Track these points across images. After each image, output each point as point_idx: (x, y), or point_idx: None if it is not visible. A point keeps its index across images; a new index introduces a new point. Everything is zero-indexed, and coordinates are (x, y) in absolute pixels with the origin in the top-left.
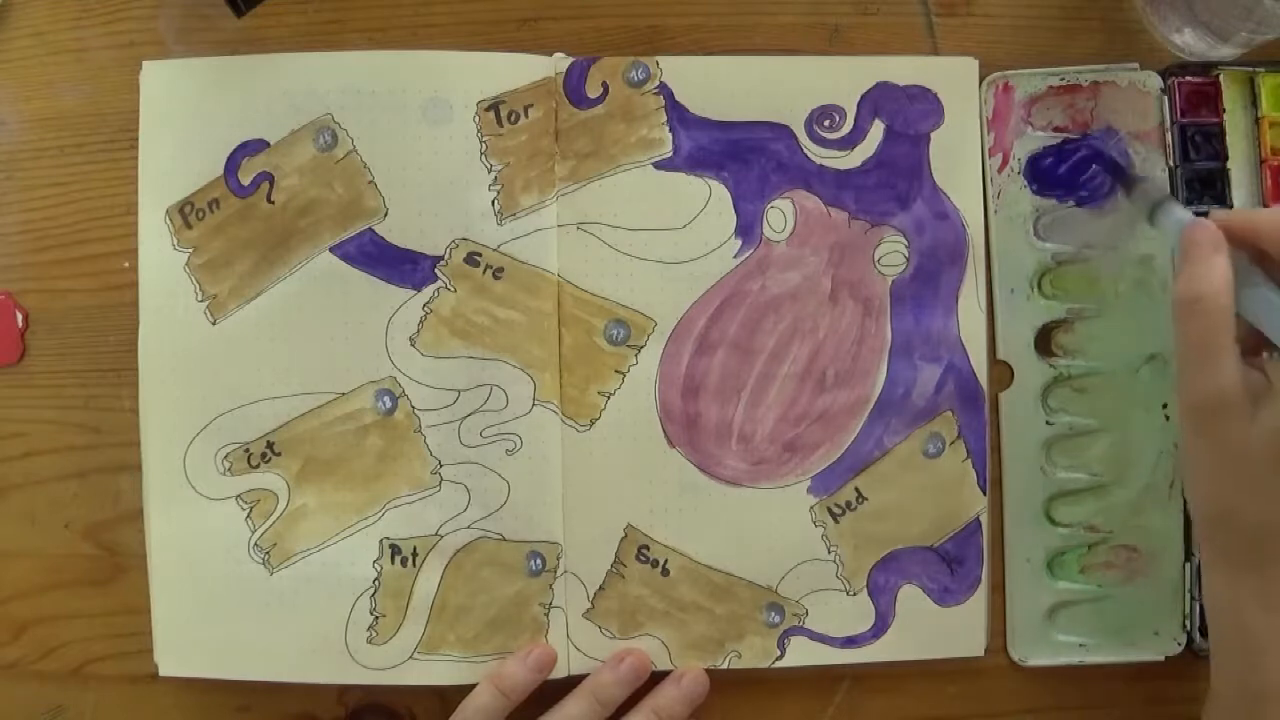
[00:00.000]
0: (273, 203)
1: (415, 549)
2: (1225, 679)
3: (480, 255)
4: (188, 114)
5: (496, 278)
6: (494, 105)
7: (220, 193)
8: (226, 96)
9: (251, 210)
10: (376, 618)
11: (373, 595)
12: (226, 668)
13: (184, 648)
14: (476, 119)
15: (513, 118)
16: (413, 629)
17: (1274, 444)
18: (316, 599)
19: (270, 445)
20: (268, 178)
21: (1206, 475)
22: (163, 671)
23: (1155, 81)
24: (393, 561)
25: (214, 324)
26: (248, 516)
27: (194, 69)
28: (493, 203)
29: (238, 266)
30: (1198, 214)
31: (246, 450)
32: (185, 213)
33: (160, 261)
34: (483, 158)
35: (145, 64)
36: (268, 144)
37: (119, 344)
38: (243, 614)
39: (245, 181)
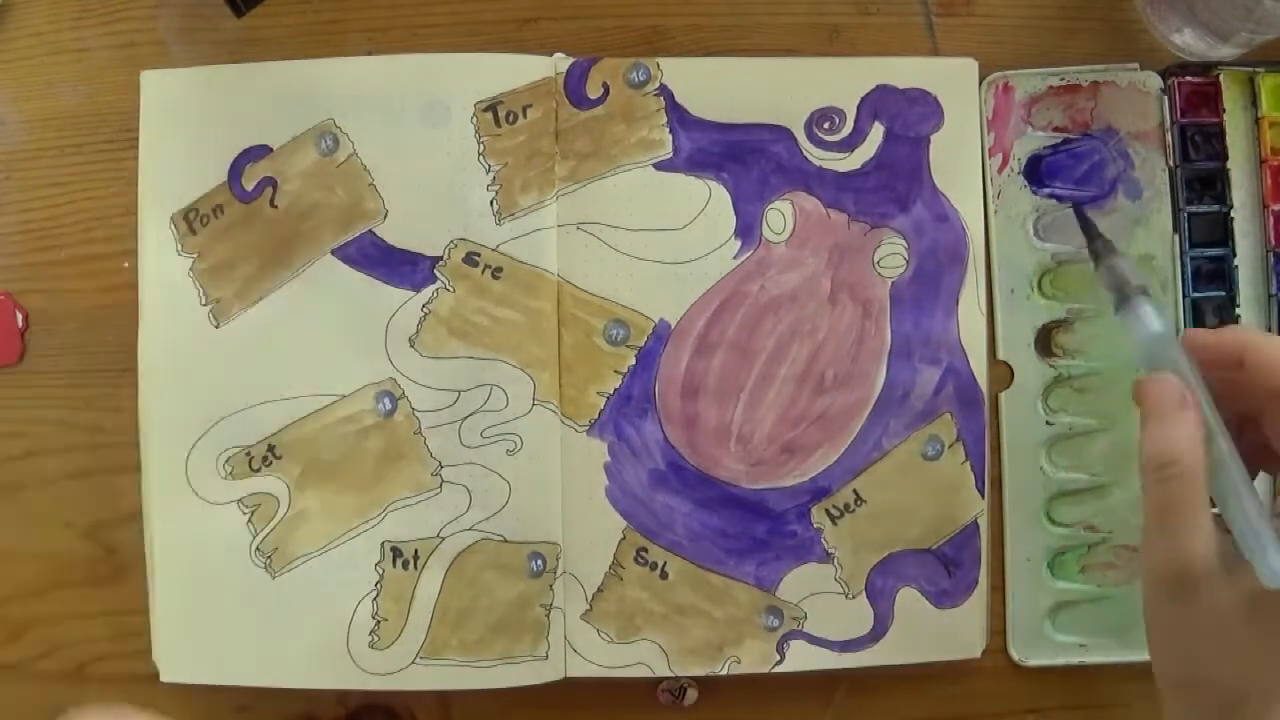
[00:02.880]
0: (276, 207)
1: (416, 551)
2: None
3: (479, 255)
4: (191, 122)
5: (495, 278)
6: (492, 106)
7: (224, 198)
8: (229, 104)
9: (255, 215)
10: (378, 621)
11: (375, 599)
12: (228, 674)
13: (185, 654)
14: (474, 120)
15: (510, 118)
16: (415, 633)
17: (1249, 608)
18: (319, 603)
19: (271, 448)
20: (271, 183)
21: (1177, 643)
22: (164, 677)
23: (1155, 81)
24: (394, 564)
25: (217, 328)
26: (249, 520)
27: (195, 78)
28: (491, 203)
29: (241, 270)
30: (1202, 213)
31: (248, 454)
32: (190, 219)
33: (163, 267)
34: (480, 158)
35: (144, 73)
36: (270, 149)
37: (119, 344)
38: (245, 619)
39: (249, 187)
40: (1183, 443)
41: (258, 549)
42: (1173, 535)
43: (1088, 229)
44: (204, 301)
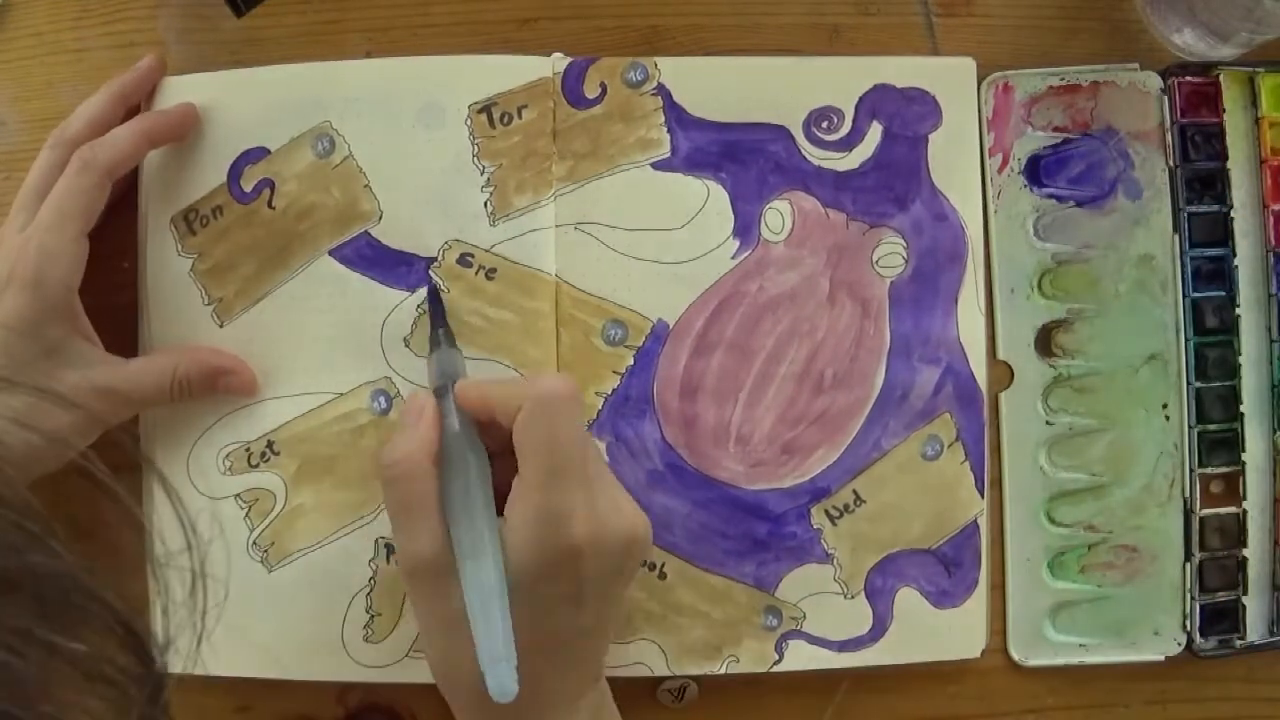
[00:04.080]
0: (273, 208)
1: None
2: None
3: (473, 256)
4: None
5: (489, 279)
6: (486, 108)
7: (223, 200)
8: (228, 107)
9: (253, 216)
10: (372, 616)
11: (368, 594)
12: (225, 665)
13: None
14: (469, 122)
15: (505, 119)
16: (409, 627)
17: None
18: (314, 597)
19: (270, 445)
20: (269, 184)
21: (427, 637)
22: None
23: (1155, 81)
24: (388, 560)
25: (221, 327)
26: (246, 515)
27: (195, 83)
28: (485, 204)
29: (241, 270)
30: (1202, 213)
31: (247, 449)
32: (190, 220)
33: (165, 267)
34: (475, 160)
35: None
36: (268, 151)
37: (119, 343)
38: (242, 612)
39: (247, 188)
40: (411, 446)
41: (254, 543)
42: (406, 533)
43: (435, 313)
44: (207, 301)
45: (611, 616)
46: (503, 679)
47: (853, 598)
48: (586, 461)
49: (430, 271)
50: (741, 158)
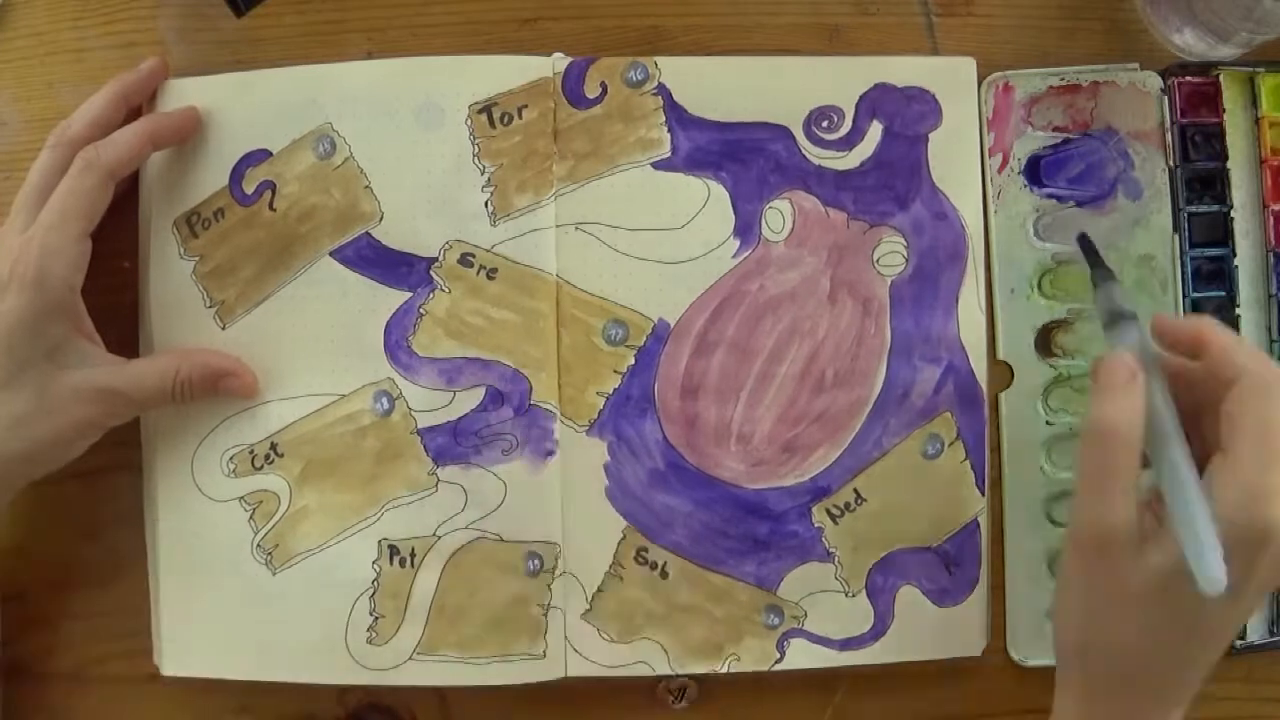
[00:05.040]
0: (274, 210)
1: (413, 549)
2: None
3: (474, 256)
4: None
5: (490, 278)
6: (486, 108)
7: (225, 202)
8: (230, 110)
9: (255, 218)
10: (376, 618)
11: (372, 596)
12: (229, 668)
13: (187, 648)
14: (469, 122)
15: (505, 120)
16: (412, 629)
17: (1154, 583)
18: (318, 599)
19: (274, 447)
20: (270, 186)
21: (1082, 606)
22: (165, 671)
23: (1155, 81)
24: (391, 562)
25: (223, 329)
26: (250, 518)
27: (197, 86)
28: (486, 204)
29: (243, 273)
30: (1202, 213)
31: (251, 452)
32: (192, 222)
33: (168, 271)
34: (475, 160)
35: None
36: (270, 153)
37: (119, 343)
38: (246, 615)
39: (249, 190)
40: (1123, 414)
41: (259, 545)
42: (1100, 501)
43: (1091, 257)
44: (209, 304)
45: (1249, 615)
46: (1211, 568)
47: (854, 596)
48: None
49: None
50: (742, 157)
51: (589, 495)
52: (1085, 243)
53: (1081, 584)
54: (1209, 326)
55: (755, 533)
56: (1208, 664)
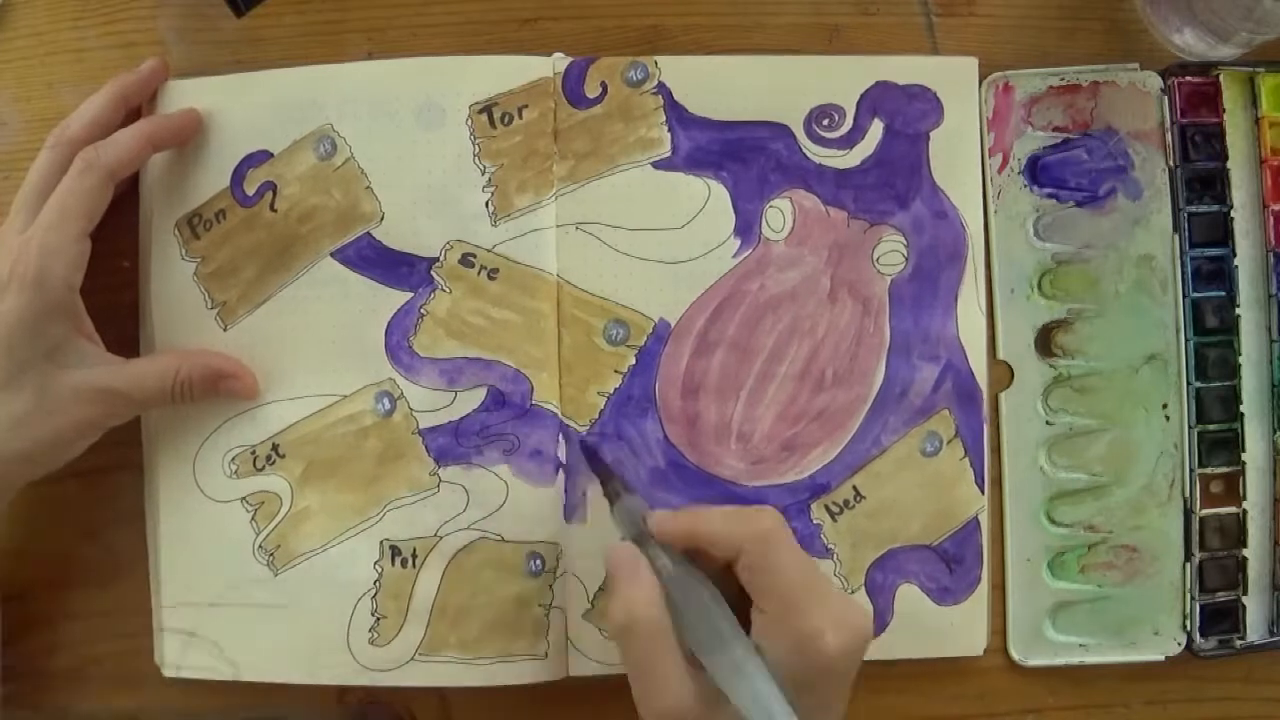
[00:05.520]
0: (275, 211)
1: (415, 550)
2: None
3: (475, 256)
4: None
5: (491, 279)
6: (487, 108)
7: (226, 203)
8: (230, 111)
9: (256, 219)
10: (378, 619)
11: (374, 596)
12: (229, 668)
13: (187, 648)
14: (469, 122)
15: (506, 120)
16: (414, 630)
17: None
18: (320, 600)
19: (275, 448)
20: (271, 187)
21: None
22: (166, 673)
23: (1155, 81)
24: (393, 563)
25: (225, 330)
26: (252, 519)
27: (197, 87)
28: (486, 204)
29: (244, 274)
30: (1202, 213)
31: (253, 453)
32: (193, 224)
33: (169, 272)
34: (476, 160)
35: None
36: (271, 154)
37: (119, 343)
38: (248, 615)
39: (250, 191)
40: (638, 604)
41: (261, 546)
42: (648, 688)
43: (598, 468)
44: (210, 305)
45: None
46: None
47: (853, 593)
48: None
49: (580, 437)
50: (742, 156)
51: (590, 495)
52: (589, 451)
53: None
54: (696, 520)
55: None
56: None
